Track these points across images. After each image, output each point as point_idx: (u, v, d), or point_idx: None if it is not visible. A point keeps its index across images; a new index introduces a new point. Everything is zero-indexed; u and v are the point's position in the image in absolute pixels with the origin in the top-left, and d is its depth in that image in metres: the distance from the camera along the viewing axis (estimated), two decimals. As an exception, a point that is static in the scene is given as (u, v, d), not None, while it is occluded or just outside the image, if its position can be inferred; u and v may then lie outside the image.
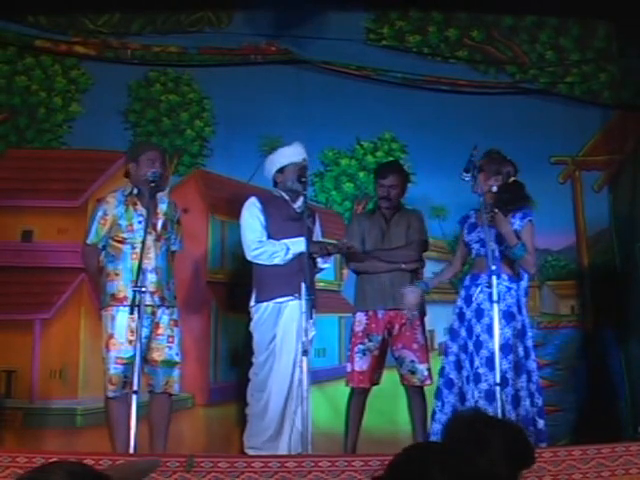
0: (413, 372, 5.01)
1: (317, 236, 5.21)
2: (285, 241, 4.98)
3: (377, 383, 5.10)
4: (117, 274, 4.71)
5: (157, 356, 4.68)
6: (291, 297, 4.87)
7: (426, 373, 5.01)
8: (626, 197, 6.32)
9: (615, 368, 6.02)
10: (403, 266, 5.10)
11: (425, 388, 5.03)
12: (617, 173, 6.39)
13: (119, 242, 4.76)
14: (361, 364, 5.01)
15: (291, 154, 5.13)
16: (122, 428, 4.45)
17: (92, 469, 1.77)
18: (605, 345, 6.09)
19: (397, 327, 5.03)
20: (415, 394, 5.04)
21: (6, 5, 5.74)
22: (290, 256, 4.95)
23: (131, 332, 4.54)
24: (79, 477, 1.72)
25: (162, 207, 4.85)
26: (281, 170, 5.13)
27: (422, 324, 5.10)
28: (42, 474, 1.72)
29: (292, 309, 4.89)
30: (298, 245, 4.94)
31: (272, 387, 4.89)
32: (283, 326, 4.93)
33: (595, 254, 6.30)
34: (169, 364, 4.71)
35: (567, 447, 4.47)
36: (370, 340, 5.03)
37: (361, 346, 5.04)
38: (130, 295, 4.47)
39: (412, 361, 5.00)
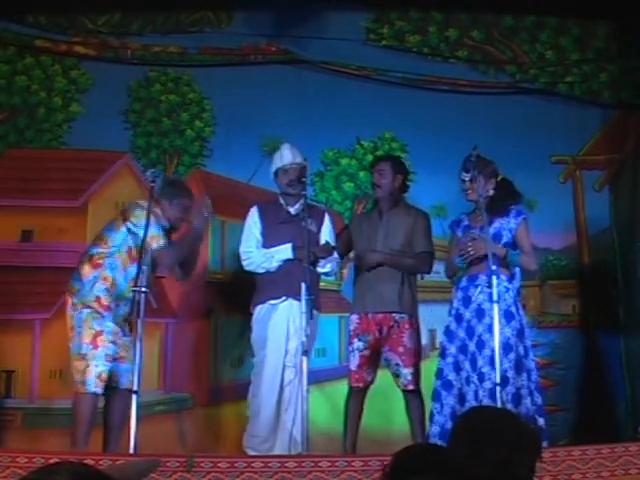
0: (397, 375, 4.96)
1: (322, 238, 5.16)
2: (272, 250, 5.04)
3: (371, 383, 5.08)
4: (113, 285, 4.76)
5: (124, 352, 4.73)
6: (282, 299, 4.95)
7: (410, 378, 4.92)
8: (626, 196, 6.31)
9: (615, 368, 6.02)
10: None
11: (423, 389, 5.00)
12: (618, 172, 6.38)
13: (131, 259, 4.77)
14: (354, 363, 5.01)
15: (277, 159, 5.18)
16: (90, 426, 4.57)
17: (95, 469, 1.77)
18: (605, 345, 6.08)
19: (385, 329, 5.00)
20: (411, 396, 4.99)
21: (6, 5, 5.74)
22: (276, 263, 5.03)
23: (114, 333, 4.67)
24: (82, 478, 1.72)
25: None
26: (275, 174, 5.18)
27: (412, 327, 5.01)
28: (45, 475, 1.72)
29: (282, 311, 4.96)
30: (283, 252, 5.01)
31: (263, 387, 4.92)
32: (272, 327, 4.96)
33: (596, 253, 6.29)
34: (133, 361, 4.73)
35: (567, 447, 4.47)
36: (359, 340, 5.02)
37: (353, 345, 5.04)
38: (113, 308, 4.71)
39: (397, 364, 4.95)
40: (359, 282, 5.15)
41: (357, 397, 5.03)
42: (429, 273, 5.22)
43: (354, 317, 5.08)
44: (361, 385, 5.02)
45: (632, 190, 6.26)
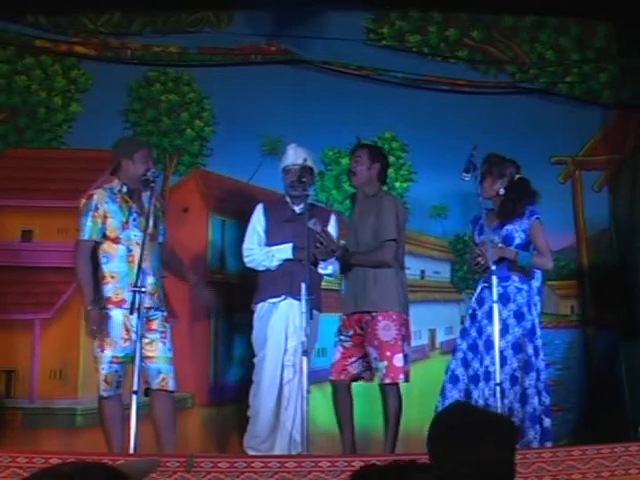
0: (376, 369, 4.90)
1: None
2: (273, 248, 5.06)
3: (356, 377, 5.01)
4: (113, 277, 4.64)
5: (150, 352, 4.61)
6: (282, 298, 4.97)
7: (385, 371, 4.83)
8: (626, 197, 6.31)
9: (615, 368, 6.02)
10: None
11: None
12: (617, 173, 6.38)
13: (113, 242, 4.68)
14: (335, 356, 4.97)
15: (283, 159, 5.23)
16: (117, 428, 4.51)
17: (109, 467, 1.76)
18: (605, 345, 6.09)
19: (364, 326, 4.94)
20: (386, 390, 4.88)
21: (6, 5, 5.74)
22: (276, 262, 5.05)
23: (126, 331, 4.56)
24: (91, 477, 1.71)
25: (151, 206, 4.70)
26: (283, 174, 5.20)
27: (389, 319, 4.88)
28: (52, 474, 1.70)
29: (282, 309, 4.98)
30: (284, 252, 5.03)
31: (263, 387, 4.93)
32: (272, 326, 4.98)
33: (595, 254, 6.29)
34: (163, 360, 4.67)
35: (567, 447, 4.47)
36: (341, 335, 5.00)
37: (335, 339, 5.03)
38: (128, 298, 4.47)
39: (375, 358, 4.87)
40: (343, 285, 5.16)
41: (341, 391, 4.94)
42: (389, 263, 4.96)
43: (340, 318, 5.10)
44: (343, 377, 4.94)
45: (632, 190, 6.26)
